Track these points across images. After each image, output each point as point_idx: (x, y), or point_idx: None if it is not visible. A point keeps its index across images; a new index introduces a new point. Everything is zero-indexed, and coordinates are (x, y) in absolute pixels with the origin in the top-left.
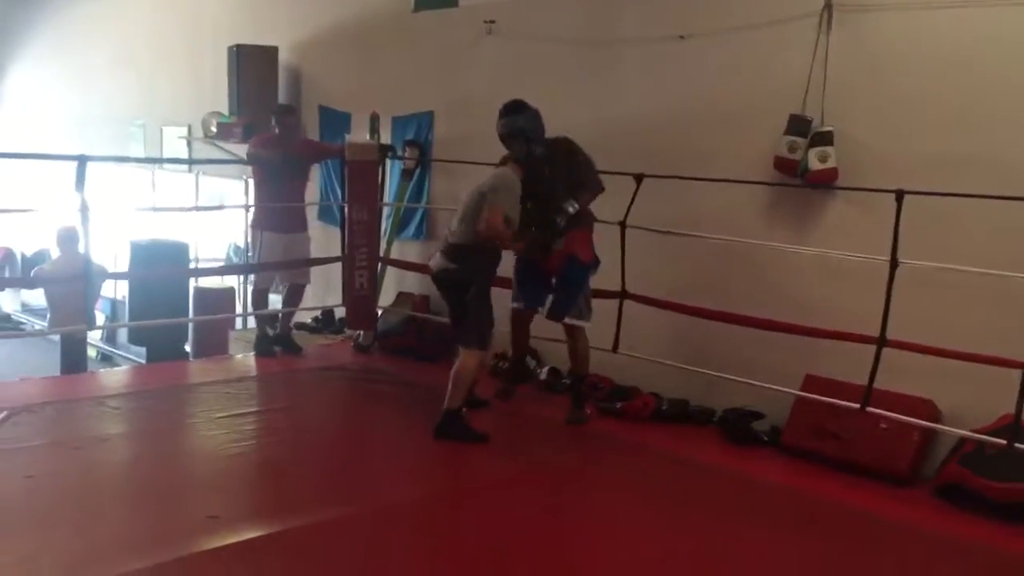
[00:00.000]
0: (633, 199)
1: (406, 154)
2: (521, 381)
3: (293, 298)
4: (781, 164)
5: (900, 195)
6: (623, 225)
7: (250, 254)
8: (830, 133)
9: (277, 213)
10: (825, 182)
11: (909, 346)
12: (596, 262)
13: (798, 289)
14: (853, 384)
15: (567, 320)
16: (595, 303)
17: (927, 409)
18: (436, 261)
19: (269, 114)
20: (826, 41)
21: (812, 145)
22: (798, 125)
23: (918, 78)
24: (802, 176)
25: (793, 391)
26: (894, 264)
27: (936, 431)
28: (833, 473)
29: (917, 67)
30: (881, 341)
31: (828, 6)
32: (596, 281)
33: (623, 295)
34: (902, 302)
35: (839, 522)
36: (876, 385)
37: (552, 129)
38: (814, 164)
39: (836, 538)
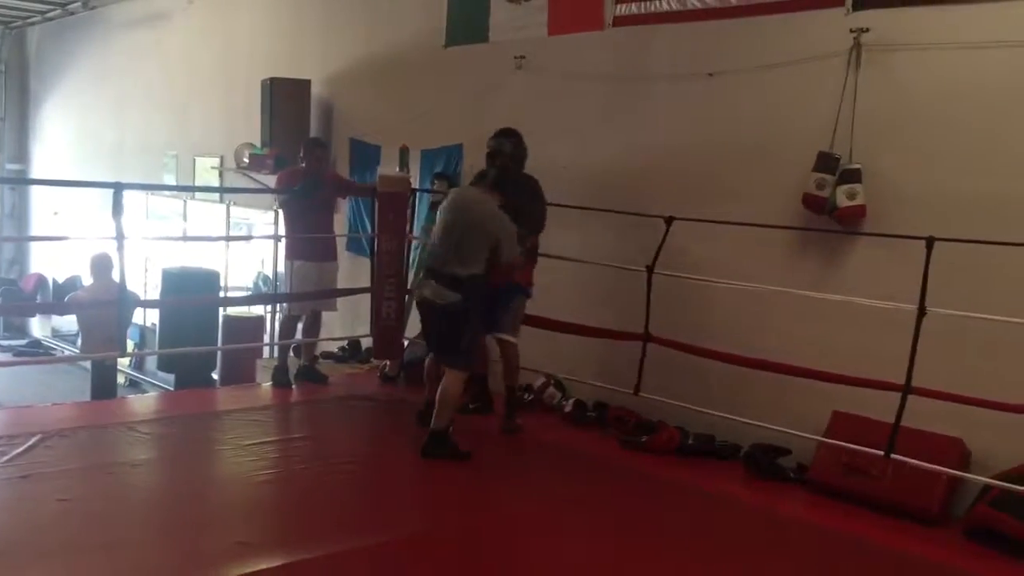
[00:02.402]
0: (662, 243)
1: (435, 186)
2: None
3: (313, 326)
4: (809, 201)
5: (930, 242)
6: (650, 271)
7: (283, 284)
8: (858, 170)
9: (308, 243)
10: (853, 219)
11: (935, 394)
12: (529, 287)
13: (822, 330)
14: (881, 422)
15: (499, 335)
16: (621, 345)
17: (956, 449)
18: (434, 291)
19: (300, 146)
20: (855, 79)
21: (840, 182)
22: (826, 162)
23: (947, 117)
24: (830, 213)
25: (818, 437)
26: (921, 312)
27: (966, 469)
28: (861, 511)
29: (946, 106)
30: (907, 389)
31: (857, 45)
32: (619, 323)
33: (647, 338)
34: (929, 344)
35: (867, 562)
36: (904, 423)
37: (582, 164)
38: (842, 201)
39: None
